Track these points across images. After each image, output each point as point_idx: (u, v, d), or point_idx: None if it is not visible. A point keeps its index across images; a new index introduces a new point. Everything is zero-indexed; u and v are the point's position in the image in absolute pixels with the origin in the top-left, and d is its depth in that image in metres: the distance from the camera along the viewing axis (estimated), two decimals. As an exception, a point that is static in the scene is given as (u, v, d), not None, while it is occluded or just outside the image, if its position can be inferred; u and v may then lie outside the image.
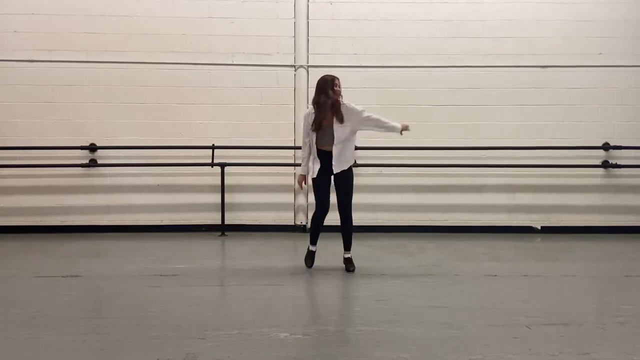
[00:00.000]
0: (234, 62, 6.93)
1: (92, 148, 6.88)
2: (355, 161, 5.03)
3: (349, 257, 5.00)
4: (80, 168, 6.89)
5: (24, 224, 6.88)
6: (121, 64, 6.85)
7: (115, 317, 3.65)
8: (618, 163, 6.97)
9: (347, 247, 4.99)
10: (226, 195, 6.81)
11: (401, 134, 4.84)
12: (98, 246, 6.10)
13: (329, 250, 5.45)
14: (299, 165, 6.85)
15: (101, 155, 6.92)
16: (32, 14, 6.79)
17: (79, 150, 6.86)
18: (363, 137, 6.68)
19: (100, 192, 6.94)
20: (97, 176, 6.95)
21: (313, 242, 5.07)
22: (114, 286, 4.45)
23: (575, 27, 6.96)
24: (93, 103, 6.87)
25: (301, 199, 7.05)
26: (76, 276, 4.74)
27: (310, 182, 4.94)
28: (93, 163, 6.90)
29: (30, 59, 6.81)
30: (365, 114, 4.74)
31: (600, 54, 6.98)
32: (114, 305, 3.97)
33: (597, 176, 7.08)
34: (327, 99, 4.68)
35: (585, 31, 6.96)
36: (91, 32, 6.82)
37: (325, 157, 4.80)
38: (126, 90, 6.89)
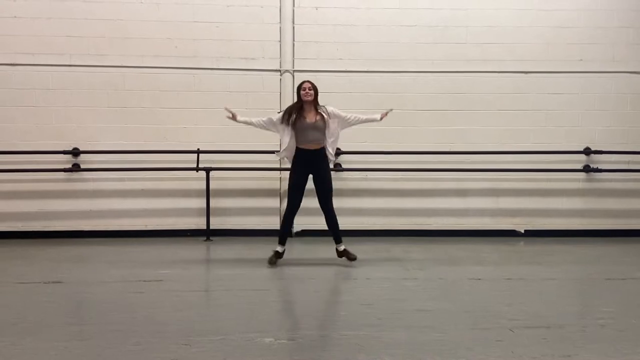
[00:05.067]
0: (219, 67, 6.92)
1: (75, 152, 6.81)
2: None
3: (345, 249, 5.24)
4: (63, 173, 6.81)
5: (5, 230, 6.79)
6: (105, 67, 6.80)
7: (97, 324, 3.61)
8: (599, 167, 7.09)
9: (339, 239, 5.23)
10: (211, 200, 6.78)
11: (380, 119, 5.40)
12: (81, 252, 6.02)
13: (316, 253, 5.45)
14: (285, 169, 6.90)
15: (84, 160, 6.85)
16: (14, 17, 6.72)
17: (62, 155, 6.79)
18: (348, 142, 6.77)
19: (84, 197, 6.87)
20: (80, 181, 6.87)
21: (283, 242, 5.29)
22: (96, 292, 4.40)
23: (557, 34, 7.08)
24: (76, 107, 6.81)
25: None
26: (58, 282, 4.68)
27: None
28: (76, 168, 6.83)
29: (12, 63, 6.73)
30: (347, 115, 5.25)
31: (581, 60, 7.10)
32: (96, 311, 3.92)
33: (578, 180, 7.19)
34: (296, 102, 5.21)
35: (567, 38, 7.08)
36: (74, 36, 6.76)
37: (307, 156, 5.10)
38: (110, 95, 6.84)
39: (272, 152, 6.92)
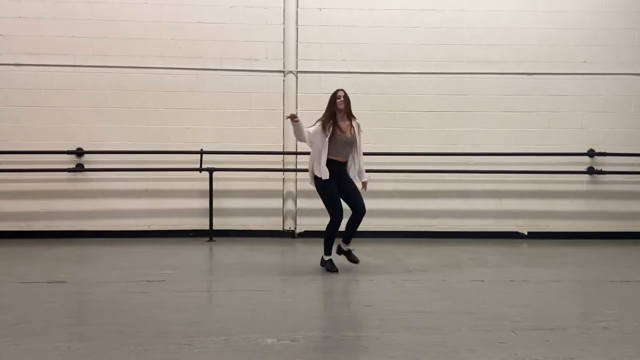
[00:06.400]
0: (223, 67, 6.93)
1: (79, 153, 6.83)
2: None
3: (350, 250, 5.23)
4: (66, 173, 6.83)
5: (8, 229, 6.80)
6: (108, 68, 6.82)
7: (99, 324, 3.61)
8: (603, 169, 7.06)
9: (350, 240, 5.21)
10: (214, 201, 6.79)
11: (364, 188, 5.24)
12: (84, 252, 6.04)
13: (318, 254, 5.45)
14: (288, 170, 6.95)
15: (88, 160, 6.87)
16: (19, 17, 6.74)
17: (66, 155, 6.81)
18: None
19: (87, 197, 6.89)
20: (83, 181, 6.89)
21: (329, 252, 5.14)
22: (99, 292, 4.41)
23: (561, 36, 7.06)
24: (80, 107, 6.83)
25: (290, 205, 7.04)
26: (61, 282, 4.69)
27: (319, 185, 5.01)
28: (80, 168, 6.85)
29: (16, 63, 6.75)
30: (361, 143, 5.10)
31: (585, 62, 7.08)
32: (99, 311, 3.93)
33: (582, 182, 7.16)
34: (330, 112, 4.96)
35: (570, 39, 7.06)
36: (78, 36, 6.79)
37: (335, 166, 4.96)
38: (114, 95, 6.85)
39: (274, 153, 6.95)
